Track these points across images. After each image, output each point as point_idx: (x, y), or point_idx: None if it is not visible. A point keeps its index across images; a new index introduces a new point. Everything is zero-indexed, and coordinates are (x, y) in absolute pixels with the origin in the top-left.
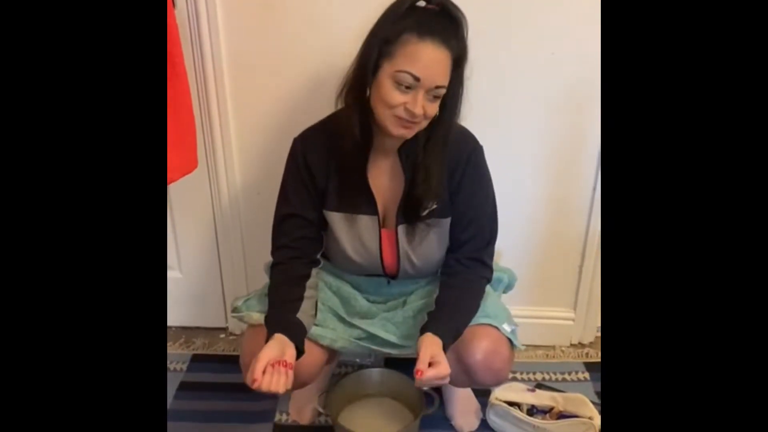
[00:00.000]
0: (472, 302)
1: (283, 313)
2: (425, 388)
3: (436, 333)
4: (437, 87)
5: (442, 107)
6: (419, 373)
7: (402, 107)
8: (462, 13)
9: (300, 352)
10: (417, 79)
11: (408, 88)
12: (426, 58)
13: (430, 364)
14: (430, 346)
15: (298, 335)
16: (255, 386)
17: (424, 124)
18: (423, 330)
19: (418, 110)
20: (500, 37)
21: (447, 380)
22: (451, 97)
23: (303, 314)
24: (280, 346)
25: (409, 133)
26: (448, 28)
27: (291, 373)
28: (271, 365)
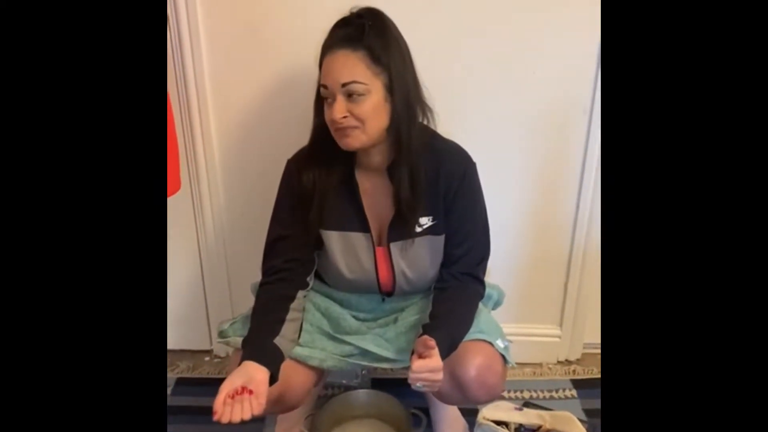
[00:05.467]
0: (467, 314)
1: (260, 337)
2: (418, 386)
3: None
4: (345, 84)
5: (393, 104)
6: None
7: (330, 119)
8: (378, 17)
9: (274, 378)
10: (325, 86)
11: (330, 101)
12: (329, 66)
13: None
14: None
15: (272, 361)
16: (216, 419)
17: (369, 126)
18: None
19: (336, 114)
20: (483, 55)
21: (440, 376)
22: (394, 88)
23: (282, 339)
24: (246, 373)
25: (350, 142)
26: (350, 31)
27: (255, 398)
28: (231, 396)
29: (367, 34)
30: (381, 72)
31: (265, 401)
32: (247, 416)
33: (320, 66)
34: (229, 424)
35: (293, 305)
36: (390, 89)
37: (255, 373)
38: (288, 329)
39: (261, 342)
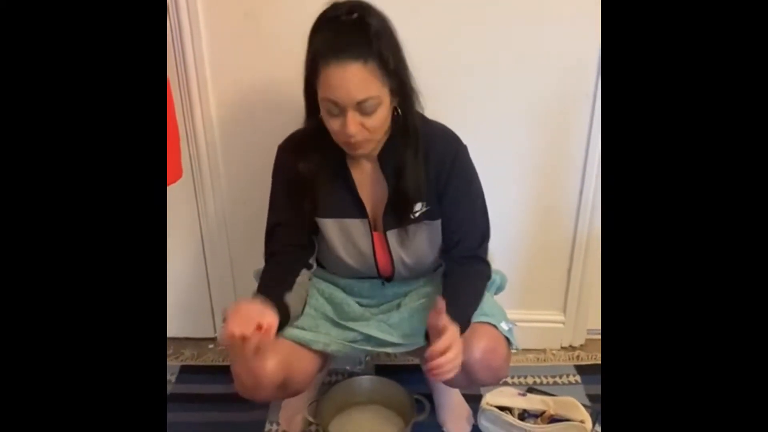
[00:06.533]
0: (475, 288)
1: (270, 288)
2: (442, 379)
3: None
4: (360, 102)
5: (400, 103)
6: (431, 358)
7: (340, 132)
8: (371, 12)
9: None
10: (336, 103)
11: (338, 113)
12: (337, 81)
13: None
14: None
15: (281, 310)
16: (222, 317)
17: (379, 134)
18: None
19: (350, 130)
20: (484, 43)
21: (459, 355)
22: (401, 92)
23: (290, 298)
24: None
25: (364, 150)
26: (355, 37)
27: (265, 333)
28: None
29: (374, 42)
30: (390, 80)
31: (272, 339)
32: (255, 339)
33: (315, 72)
34: (231, 339)
35: (299, 279)
36: (394, 92)
37: (268, 313)
38: (295, 296)
39: (271, 292)
